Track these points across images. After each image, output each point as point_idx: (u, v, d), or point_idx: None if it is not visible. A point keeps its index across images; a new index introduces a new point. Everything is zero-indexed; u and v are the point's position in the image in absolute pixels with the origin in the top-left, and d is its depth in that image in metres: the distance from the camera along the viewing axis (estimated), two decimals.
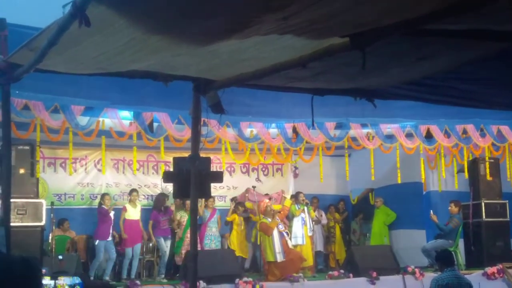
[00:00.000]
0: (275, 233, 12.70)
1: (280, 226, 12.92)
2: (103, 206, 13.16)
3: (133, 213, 13.52)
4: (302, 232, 14.14)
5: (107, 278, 12.62)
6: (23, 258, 2.61)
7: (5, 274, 2.49)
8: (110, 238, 13.04)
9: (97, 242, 12.87)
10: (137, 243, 13.34)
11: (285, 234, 12.89)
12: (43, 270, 8.91)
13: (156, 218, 13.73)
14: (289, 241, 12.93)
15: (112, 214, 13.13)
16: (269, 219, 12.93)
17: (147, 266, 13.92)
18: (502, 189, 14.72)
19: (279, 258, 12.50)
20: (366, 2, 4.17)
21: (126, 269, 13.20)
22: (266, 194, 15.50)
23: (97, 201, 14.74)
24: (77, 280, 8.34)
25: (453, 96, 7.33)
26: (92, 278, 12.54)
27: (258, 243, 13.96)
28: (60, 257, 10.95)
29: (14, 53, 6.21)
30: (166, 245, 13.56)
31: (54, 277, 8.10)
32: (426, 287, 9.46)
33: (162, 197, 14.07)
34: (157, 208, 13.99)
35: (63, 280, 8.14)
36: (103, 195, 13.53)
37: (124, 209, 13.53)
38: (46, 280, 8.03)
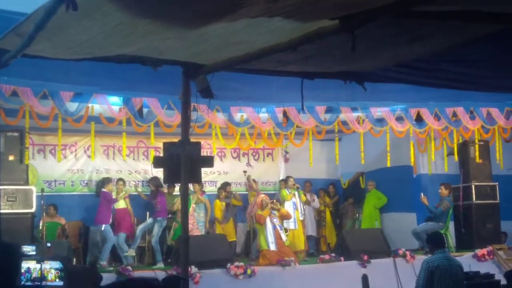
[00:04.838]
0: (268, 224, 12.69)
1: (275, 220, 12.90)
2: (104, 190, 13.12)
3: (121, 202, 13.48)
4: (294, 217, 14.14)
5: (103, 263, 12.55)
6: (2, 244, 2.63)
7: None
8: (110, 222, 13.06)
9: (103, 227, 12.82)
10: (124, 231, 13.28)
11: (278, 227, 12.85)
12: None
13: (149, 199, 13.79)
14: (283, 235, 12.86)
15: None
16: (262, 210, 12.96)
17: (139, 252, 13.88)
18: (492, 171, 14.76)
19: (272, 247, 12.52)
20: None
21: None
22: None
23: (87, 187, 14.71)
24: (59, 264, 8.35)
25: (444, 78, 7.34)
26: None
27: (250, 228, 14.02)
28: (48, 244, 10.93)
29: (0, 38, 6.15)
30: (158, 227, 13.43)
31: (40, 261, 8.12)
32: (417, 270, 9.46)
33: (151, 181, 14.05)
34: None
35: (49, 264, 8.15)
36: (107, 180, 13.44)
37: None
38: (33, 264, 8.05)
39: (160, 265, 12.73)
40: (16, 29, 5.64)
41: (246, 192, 15.68)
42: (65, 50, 6.07)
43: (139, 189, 14.80)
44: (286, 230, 13.28)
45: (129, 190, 14.27)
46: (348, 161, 16.24)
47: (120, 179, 13.86)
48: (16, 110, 10.70)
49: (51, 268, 8.25)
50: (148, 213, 13.99)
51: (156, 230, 13.38)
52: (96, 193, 13.61)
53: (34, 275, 8.11)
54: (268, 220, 12.72)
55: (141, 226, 13.56)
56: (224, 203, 14.80)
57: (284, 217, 13.23)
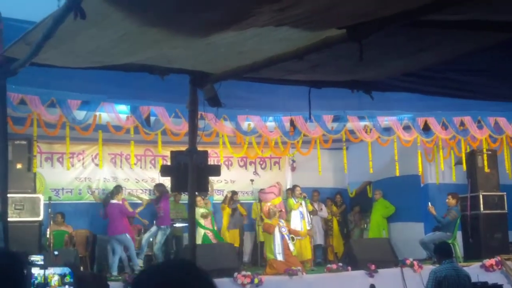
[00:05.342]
0: (277, 233, 12.67)
1: (283, 229, 12.89)
2: (113, 201, 13.14)
3: None
4: (301, 226, 14.11)
5: (115, 273, 12.57)
6: (6, 252, 2.63)
7: None
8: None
9: (124, 236, 12.90)
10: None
11: (286, 237, 12.83)
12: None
13: (153, 204, 13.89)
14: (291, 245, 12.84)
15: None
16: (271, 219, 12.96)
17: (146, 260, 13.89)
18: (500, 181, 14.68)
19: (279, 258, 12.50)
20: None
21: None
22: (262, 190, 15.53)
23: (95, 195, 14.71)
24: (66, 270, 8.38)
25: (451, 87, 7.32)
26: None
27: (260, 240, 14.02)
28: (56, 252, 10.93)
29: (9, 47, 6.19)
30: (162, 234, 13.49)
31: (44, 267, 8.15)
32: (424, 280, 9.44)
33: (156, 187, 14.15)
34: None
35: (53, 270, 8.18)
36: (116, 190, 13.42)
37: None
38: (37, 270, 8.08)
39: None
40: (24, 38, 5.67)
41: (252, 201, 15.69)
42: (73, 59, 6.10)
43: (144, 196, 14.80)
44: (293, 239, 13.25)
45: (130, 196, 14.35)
46: (356, 170, 16.21)
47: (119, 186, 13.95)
48: (24, 119, 10.74)
49: (54, 274, 8.28)
50: (154, 221, 14.03)
51: (159, 237, 13.42)
52: (105, 202, 13.52)
53: (39, 280, 8.16)
54: (276, 229, 12.70)
55: (146, 236, 13.60)
56: (230, 210, 14.86)
57: (293, 233, 13.26)
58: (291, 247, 12.79)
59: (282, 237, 12.72)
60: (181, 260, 2.18)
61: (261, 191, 15.49)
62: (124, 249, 13.06)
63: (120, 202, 13.26)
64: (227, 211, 14.84)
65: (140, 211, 13.81)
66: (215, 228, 14.20)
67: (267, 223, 12.89)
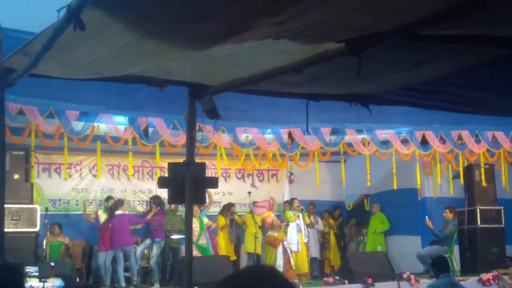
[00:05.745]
0: (280, 248, 12.70)
1: (286, 243, 12.89)
2: (120, 212, 13.11)
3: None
4: (297, 239, 14.12)
5: (123, 284, 12.58)
6: (6, 264, 2.64)
7: None
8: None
9: (132, 247, 12.94)
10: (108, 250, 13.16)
11: (288, 251, 12.85)
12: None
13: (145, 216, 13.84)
14: (292, 259, 12.85)
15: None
16: (276, 233, 12.94)
17: (142, 272, 13.85)
18: (497, 195, 14.72)
19: None
20: (362, 7, 4.15)
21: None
22: (255, 202, 15.47)
23: (92, 207, 14.65)
24: (62, 282, 8.38)
25: (449, 101, 7.32)
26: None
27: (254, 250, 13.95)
28: (52, 263, 10.92)
29: (8, 57, 6.18)
30: (157, 247, 13.45)
31: (42, 280, 8.13)
32: None
33: (152, 199, 14.11)
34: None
35: (52, 282, 8.16)
36: (120, 202, 13.42)
37: (96, 214, 13.54)
38: (35, 283, 8.06)
39: (157, 285, 12.75)
40: (23, 49, 5.66)
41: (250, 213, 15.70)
42: (72, 70, 6.09)
43: (140, 209, 14.76)
44: (291, 252, 13.27)
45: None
46: (354, 183, 16.22)
47: (110, 197, 13.92)
48: (22, 129, 10.74)
49: (53, 287, 8.25)
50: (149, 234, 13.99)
51: (155, 251, 13.39)
52: (110, 215, 13.40)
53: None
54: (280, 243, 12.74)
55: (141, 248, 13.56)
56: (227, 219, 14.84)
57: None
58: (292, 261, 12.80)
59: (285, 251, 12.73)
60: (266, 266, 2.19)
61: (255, 203, 15.49)
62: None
63: (126, 212, 13.25)
64: (222, 220, 14.79)
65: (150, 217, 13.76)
66: (205, 241, 14.05)
67: (272, 236, 12.88)
